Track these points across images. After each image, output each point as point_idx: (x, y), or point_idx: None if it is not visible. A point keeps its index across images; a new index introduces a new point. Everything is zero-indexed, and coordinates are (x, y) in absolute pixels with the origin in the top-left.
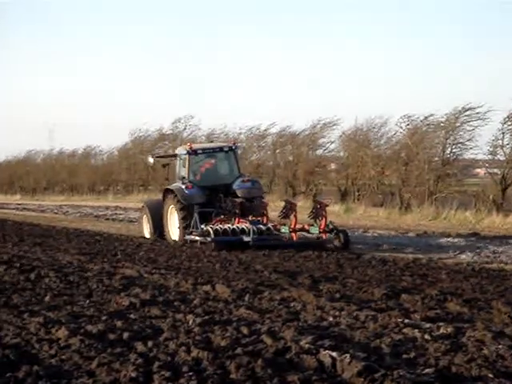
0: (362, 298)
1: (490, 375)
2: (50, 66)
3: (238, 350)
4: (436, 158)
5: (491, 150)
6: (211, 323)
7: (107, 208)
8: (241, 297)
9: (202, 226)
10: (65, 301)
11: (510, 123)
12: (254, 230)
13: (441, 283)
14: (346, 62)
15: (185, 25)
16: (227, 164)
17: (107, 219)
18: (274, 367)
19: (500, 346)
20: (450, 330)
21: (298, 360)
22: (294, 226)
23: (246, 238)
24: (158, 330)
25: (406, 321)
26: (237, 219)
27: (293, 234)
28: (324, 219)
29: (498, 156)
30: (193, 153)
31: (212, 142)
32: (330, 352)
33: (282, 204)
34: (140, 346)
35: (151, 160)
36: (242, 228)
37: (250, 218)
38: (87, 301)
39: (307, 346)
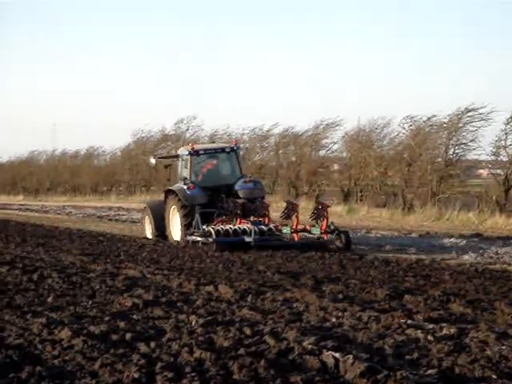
0: (364, 298)
1: (494, 376)
2: (49, 66)
3: (241, 351)
4: (439, 159)
5: (494, 150)
6: (214, 324)
7: (110, 209)
8: (243, 297)
9: (204, 227)
10: (68, 301)
11: None
12: (255, 231)
13: (444, 284)
14: (346, 62)
15: (185, 25)
16: (229, 165)
17: (110, 220)
18: (277, 368)
19: (503, 347)
20: (453, 330)
21: (300, 361)
22: (296, 226)
23: (247, 239)
24: (160, 330)
25: (409, 321)
26: (238, 220)
27: (294, 235)
28: (325, 220)
29: (501, 157)
30: (195, 153)
31: (214, 142)
32: (332, 353)
33: (284, 205)
34: (143, 347)
35: (153, 161)
36: (244, 229)
37: (251, 219)
38: (90, 301)
39: (310, 346)
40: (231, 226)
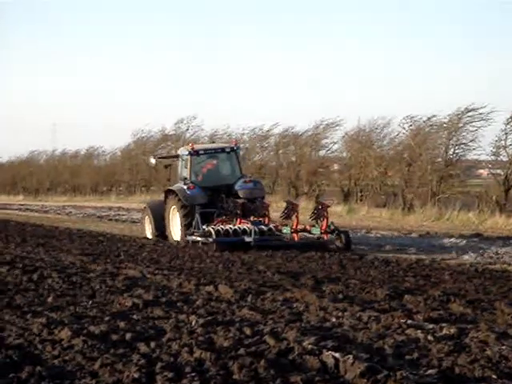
0: (364, 298)
1: (494, 376)
2: (49, 66)
3: (241, 351)
4: (439, 159)
5: (494, 150)
6: (214, 324)
7: (110, 209)
8: (243, 297)
9: (204, 227)
10: (68, 301)
11: None
12: (255, 231)
13: (444, 284)
14: (346, 62)
15: (185, 25)
16: (229, 165)
17: (110, 220)
18: (277, 368)
19: (503, 347)
20: (453, 330)
21: (300, 361)
22: (296, 226)
23: (247, 239)
24: (160, 330)
25: (409, 321)
26: (238, 220)
27: (294, 235)
28: (325, 220)
29: (501, 157)
30: (194, 153)
31: (214, 142)
32: (332, 353)
33: (284, 205)
34: (143, 347)
35: (153, 161)
36: (244, 229)
37: (251, 219)
38: (90, 301)
39: (310, 346)
40: (231, 226)
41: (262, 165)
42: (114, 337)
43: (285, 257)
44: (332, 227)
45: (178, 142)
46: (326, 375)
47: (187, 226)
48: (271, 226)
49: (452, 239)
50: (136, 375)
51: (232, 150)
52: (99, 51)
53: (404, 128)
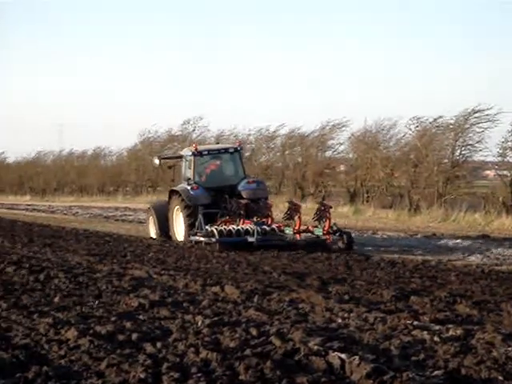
0: (370, 299)
1: (500, 377)
2: (49, 66)
3: (247, 352)
4: (445, 160)
5: (501, 151)
6: (220, 324)
7: (116, 209)
8: (250, 298)
9: (207, 227)
10: (74, 301)
11: None
12: (258, 231)
13: (450, 285)
14: (346, 62)
15: (185, 25)
16: (232, 165)
17: (117, 220)
18: (283, 369)
19: (510, 348)
20: (459, 332)
21: (306, 362)
22: (298, 227)
23: (250, 239)
24: (166, 331)
25: (415, 323)
26: (241, 220)
27: (297, 236)
28: (328, 221)
29: (508, 158)
30: (198, 154)
31: (218, 143)
32: (338, 354)
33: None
34: (149, 347)
35: (157, 161)
36: (247, 229)
37: (254, 219)
38: (96, 302)
39: (316, 347)
40: (234, 226)
41: (269, 165)
42: (121, 337)
43: (290, 257)
44: (335, 228)
45: (184, 142)
46: (331, 376)
47: (190, 226)
48: (274, 226)
49: (458, 240)
50: (142, 375)
51: (235, 150)
52: (99, 51)
53: (410, 129)
